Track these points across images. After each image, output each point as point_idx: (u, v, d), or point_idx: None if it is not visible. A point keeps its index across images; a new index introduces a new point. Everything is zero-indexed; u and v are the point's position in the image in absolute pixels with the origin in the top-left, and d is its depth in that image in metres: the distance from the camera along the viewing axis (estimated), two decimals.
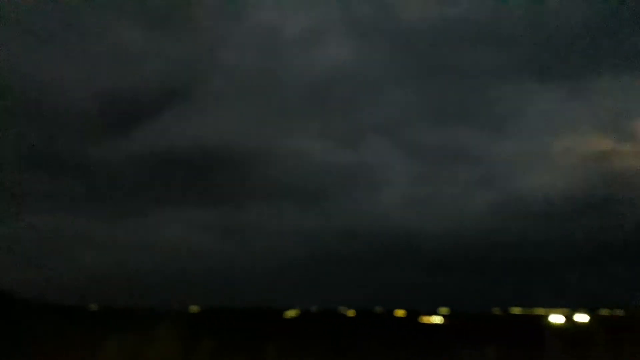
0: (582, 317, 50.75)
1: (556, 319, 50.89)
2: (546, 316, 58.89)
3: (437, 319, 63.02)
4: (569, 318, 50.80)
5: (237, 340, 12.77)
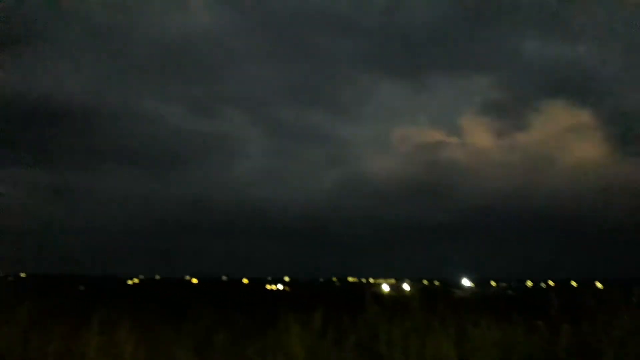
0: (406, 286, 56.65)
1: (384, 287, 56.22)
2: (377, 284, 64.43)
3: (280, 286, 65.41)
4: (395, 287, 56.46)
5: (65, 306, 11.60)
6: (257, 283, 70.31)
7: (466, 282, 69.08)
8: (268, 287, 61.89)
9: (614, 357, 4.63)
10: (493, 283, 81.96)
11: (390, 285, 59.61)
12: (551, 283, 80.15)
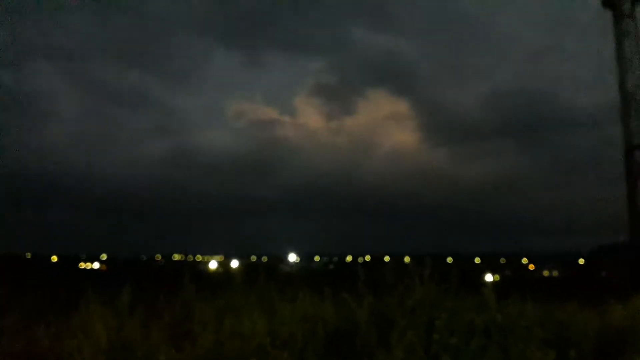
0: (234, 263, 57.10)
1: (212, 264, 55.97)
2: (204, 262, 63.70)
3: (96, 265, 60.89)
4: (223, 263, 56.61)
5: None
6: (69, 261, 64.31)
7: (292, 258, 72.23)
8: (82, 265, 57.12)
9: (405, 324, 5.24)
10: (317, 258, 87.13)
11: (218, 262, 59.54)
12: (368, 258, 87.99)
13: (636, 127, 42.54)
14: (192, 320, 5.73)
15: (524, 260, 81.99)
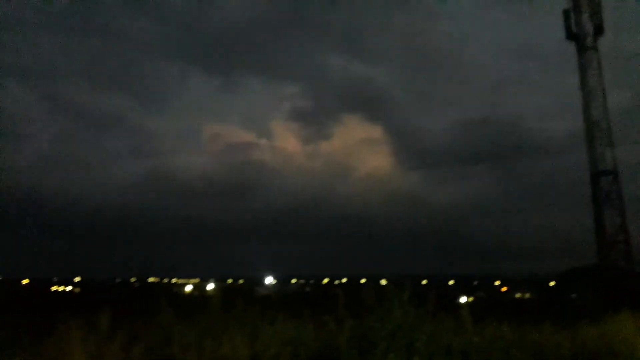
0: (210, 286, 56.21)
1: (188, 287, 55.00)
2: (180, 285, 62.58)
3: (69, 288, 59.10)
4: (200, 286, 55.65)
5: None
6: (41, 284, 62.27)
7: (269, 280, 71.44)
8: (54, 288, 55.33)
9: (386, 347, 5.24)
10: (294, 280, 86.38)
11: (194, 285, 58.45)
12: (344, 280, 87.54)
13: (600, 154, 43.87)
14: (173, 344, 5.60)
15: (497, 283, 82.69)
